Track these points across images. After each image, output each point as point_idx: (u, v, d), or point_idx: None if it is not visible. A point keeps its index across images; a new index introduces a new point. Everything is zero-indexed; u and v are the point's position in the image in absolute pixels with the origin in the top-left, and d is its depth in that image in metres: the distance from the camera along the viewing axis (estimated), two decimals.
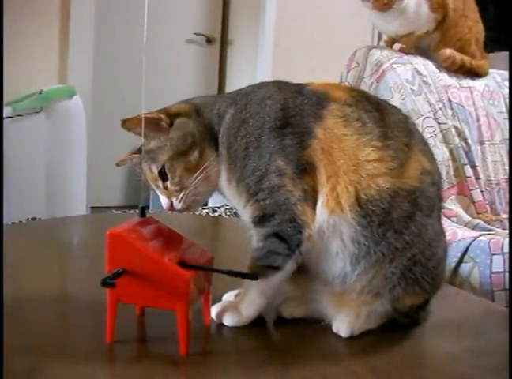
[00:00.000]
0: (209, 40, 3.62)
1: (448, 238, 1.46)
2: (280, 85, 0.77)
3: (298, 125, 0.71)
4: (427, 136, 1.71)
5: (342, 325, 0.71)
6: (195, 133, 0.74)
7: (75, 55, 2.81)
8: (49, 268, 0.95)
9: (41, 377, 0.57)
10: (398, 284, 0.69)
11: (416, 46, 1.84)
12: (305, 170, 0.69)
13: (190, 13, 3.59)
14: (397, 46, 1.81)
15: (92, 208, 2.85)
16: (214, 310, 0.71)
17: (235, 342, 0.69)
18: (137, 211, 0.68)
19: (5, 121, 2.27)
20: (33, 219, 2.24)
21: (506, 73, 1.96)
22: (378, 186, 0.68)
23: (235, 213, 2.11)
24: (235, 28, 3.66)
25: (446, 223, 1.54)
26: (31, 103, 2.45)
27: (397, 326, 0.74)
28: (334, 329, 0.71)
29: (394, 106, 0.80)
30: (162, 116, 0.74)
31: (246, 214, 0.73)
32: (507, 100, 1.92)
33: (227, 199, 0.77)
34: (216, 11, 3.65)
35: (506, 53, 2.03)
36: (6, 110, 2.36)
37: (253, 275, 0.67)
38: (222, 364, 0.62)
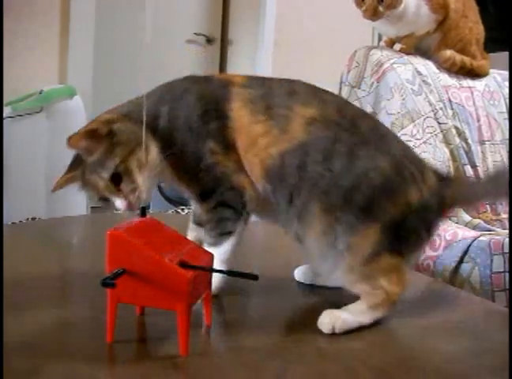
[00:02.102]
0: (209, 40, 3.62)
1: (448, 238, 1.48)
2: (193, 79, 0.87)
3: (215, 110, 0.81)
4: (427, 136, 1.71)
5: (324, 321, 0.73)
6: (137, 132, 0.78)
7: (75, 55, 2.81)
8: (49, 268, 0.95)
9: (41, 377, 0.57)
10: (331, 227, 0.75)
11: (417, 46, 1.83)
12: (230, 147, 0.80)
13: (190, 13, 3.59)
14: (397, 46, 1.81)
15: (92, 208, 2.85)
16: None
17: (235, 342, 0.69)
18: (137, 211, 0.68)
19: (5, 121, 2.27)
20: (33, 219, 2.24)
21: (507, 73, 1.96)
22: (272, 155, 0.78)
23: None
24: (235, 28, 3.66)
25: (446, 223, 1.55)
26: (31, 103, 2.45)
27: (397, 326, 0.74)
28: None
29: (286, 79, 0.86)
30: (99, 126, 0.77)
31: (192, 195, 0.84)
32: (507, 100, 1.92)
33: (175, 187, 0.86)
34: (216, 11, 3.65)
35: (506, 53, 2.03)
36: (6, 110, 2.36)
37: (253, 276, 0.67)
38: (222, 364, 0.62)
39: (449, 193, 0.82)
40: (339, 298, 0.89)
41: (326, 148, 0.76)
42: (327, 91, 0.85)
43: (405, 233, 0.77)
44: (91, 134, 0.77)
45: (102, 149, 0.77)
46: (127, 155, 0.77)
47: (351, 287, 0.76)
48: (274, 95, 0.81)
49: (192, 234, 0.92)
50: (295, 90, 0.82)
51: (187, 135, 0.81)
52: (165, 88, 0.86)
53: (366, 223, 0.74)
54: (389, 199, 0.75)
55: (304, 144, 0.77)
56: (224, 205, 0.81)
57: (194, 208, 0.91)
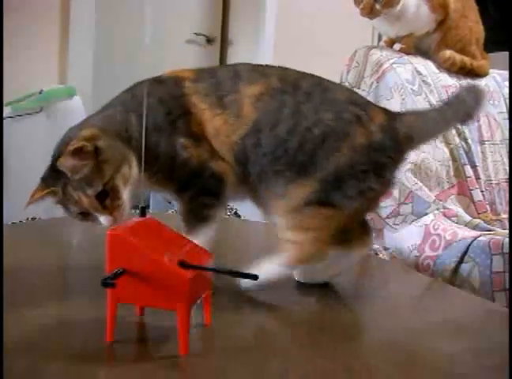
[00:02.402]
0: (209, 40, 3.62)
1: (448, 238, 1.48)
2: (148, 82, 0.86)
3: (177, 108, 0.83)
4: None
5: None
6: (119, 148, 0.79)
7: (75, 55, 2.81)
8: (49, 268, 0.95)
9: (41, 377, 0.57)
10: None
11: (417, 46, 1.83)
12: (201, 139, 0.82)
13: (190, 13, 3.58)
14: (397, 46, 1.81)
15: None
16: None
17: (235, 342, 0.69)
18: (137, 211, 0.68)
19: (5, 121, 2.27)
20: (33, 219, 2.24)
21: (506, 73, 1.96)
22: (235, 142, 0.81)
23: (236, 213, 2.11)
24: (235, 28, 3.66)
25: (446, 223, 1.56)
26: (31, 103, 2.44)
27: (397, 326, 0.74)
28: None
29: (228, 65, 0.90)
30: (84, 143, 0.76)
31: (170, 192, 0.85)
32: (507, 100, 1.92)
33: (152, 190, 0.90)
34: (216, 11, 3.65)
35: (506, 53, 2.03)
36: (6, 110, 2.35)
37: (253, 276, 0.67)
38: (222, 364, 0.62)
39: (403, 128, 0.81)
40: (338, 297, 0.89)
41: (274, 118, 0.80)
42: (267, 65, 0.88)
43: (351, 180, 0.78)
44: (78, 152, 0.76)
45: (89, 167, 0.77)
46: (114, 172, 0.78)
47: (279, 234, 0.82)
48: (222, 83, 0.83)
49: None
50: (238, 73, 0.84)
51: (158, 137, 0.82)
52: (127, 95, 0.87)
53: (307, 174, 0.78)
54: (333, 148, 0.78)
55: (256, 122, 0.80)
56: (204, 193, 0.83)
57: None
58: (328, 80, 0.87)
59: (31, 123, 2.43)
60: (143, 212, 0.69)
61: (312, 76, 0.87)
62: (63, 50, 2.80)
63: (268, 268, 0.80)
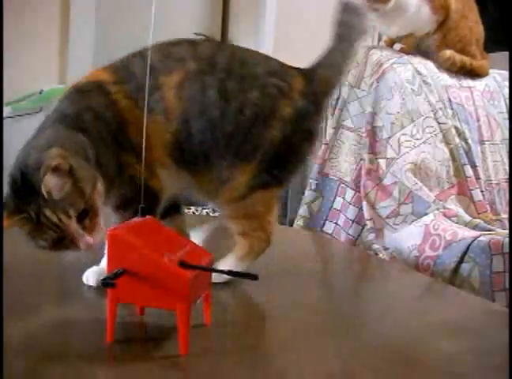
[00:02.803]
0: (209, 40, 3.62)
1: (448, 238, 1.48)
2: (76, 96, 0.82)
3: (112, 117, 0.79)
4: (427, 136, 1.71)
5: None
6: (85, 165, 0.75)
7: (75, 55, 2.81)
8: (49, 268, 0.95)
9: (41, 377, 0.57)
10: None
11: (417, 46, 1.83)
12: (139, 150, 0.75)
13: (190, 13, 3.59)
14: (397, 46, 1.81)
15: None
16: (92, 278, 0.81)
17: (235, 342, 0.69)
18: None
19: (5, 121, 2.27)
20: None
21: (506, 73, 1.96)
22: (169, 141, 0.79)
23: None
24: (235, 28, 3.66)
25: (446, 223, 1.56)
26: (31, 103, 2.45)
27: (396, 326, 0.74)
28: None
29: (139, 56, 0.84)
30: (59, 161, 0.70)
31: (110, 205, 0.81)
32: (507, 100, 1.92)
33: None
34: (216, 11, 3.65)
35: (506, 53, 2.03)
36: (6, 110, 2.35)
37: (253, 276, 0.67)
38: (222, 364, 0.62)
39: (320, 87, 0.84)
40: (338, 297, 0.90)
41: (200, 104, 0.79)
42: (177, 42, 0.85)
43: (287, 154, 0.82)
44: (57, 171, 0.70)
45: (68, 185, 0.71)
46: (91, 190, 0.74)
47: (228, 224, 0.84)
48: (142, 82, 0.77)
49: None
50: (153, 66, 0.78)
51: (105, 151, 0.79)
52: (60, 113, 0.82)
53: (246, 157, 0.80)
54: (265, 126, 0.80)
55: (184, 113, 0.79)
56: (144, 212, 0.75)
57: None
58: (240, 48, 0.87)
59: (31, 123, 2.42)
60: (143, 212, 0.69)
61: (224, 46, 0.88)
62: (63, 50, 2.80)
63: (231, 264, 0.83)
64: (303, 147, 0.84)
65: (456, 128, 1.76)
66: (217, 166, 0.81)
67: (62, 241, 0.74)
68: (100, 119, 0.80)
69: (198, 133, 0.79)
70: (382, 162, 1.66)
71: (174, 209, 0.91)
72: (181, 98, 0.79)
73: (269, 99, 0.80)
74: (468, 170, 1.73)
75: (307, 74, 0.85)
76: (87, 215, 0.74)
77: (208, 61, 0.81)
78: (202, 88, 0.79)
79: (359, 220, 1.68)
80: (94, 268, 0.83)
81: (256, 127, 0.80)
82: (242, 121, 0.79)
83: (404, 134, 1.67)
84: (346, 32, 0.89)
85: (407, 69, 1.75)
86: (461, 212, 1.66)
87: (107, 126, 0.80)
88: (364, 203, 1.65)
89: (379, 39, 2.63)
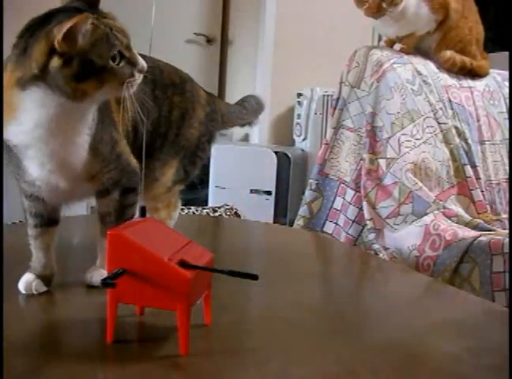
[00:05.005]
0: (209, 40, 3.62)
1: (448, 238, 1.48)
2: None
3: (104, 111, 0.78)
4: (427, 136, 1.71)
5: None
6: None
7: None
8: None
9: (41, 377, 0.57)
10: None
11: (417, 46, 1.83)
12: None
13: (190, 13, 3.59)
14: (397, 46, 1.81)
15: (92, 207, 2.85)
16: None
17: (235, 342, 0.69)
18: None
19: None
20: None
21: (506, 73, 1.96)
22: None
23: (236, 213, 2.10)
24: (235, 28, 3.66)
25: (446, 223, 1.56)
26: None
27: (397, 326, 0.74)
28: None
29: None
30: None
31: (94, 191, 0.80)
32: (507, 100, 1.92)
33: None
34: (216, 11, 3.65)
35: (506, 53, 2.03)
36: None
37: (253, 276, 0.67)
38: (222, 364, 0.62)
39: (218, 104, 0.99)
40: (338, 297, 0.89)
41: (142, 109, 0.77)
42: None
43: (199, 151, 0.94)
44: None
45: None
46: None
47: (156, 215, 0.93)
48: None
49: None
50: None
51: (102, 126, 0.77)
52: None
53: (175, 154, 0.90)
54: (188, 126, 0.91)
55: (132, 120, 0.80)
56: (130, 191, 0.80)
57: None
58: (156, 59, 0.91)
59: None
60: (143, 212, 0.69)
61: (147, 58, 0.88)
62: None
63: None
64: (208, 147, 0.97)
65: (456, 128, 1.76)
66: (154, 164, 0.88)
67: None
68: None
69: (143, 135, 0.83)
70: (382, 162, 1.66)
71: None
72: (126, 119, 0.80)
73: (188, 102, 0.92)
74: (469, 170, 1.73)
75: (203, 88, 0.98)
76: None
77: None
78: (142, 95, 0.78)
79: (359, 220, 1.68)
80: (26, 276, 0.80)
81: (183, 126, 0.91)
82: (172, 122, 0.89)
83: (404, 134, 1.67)
84: (253, 109, 1.09)
85: (407, 69, 1.75)
86: (461, 212, 1.66)
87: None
88: (364, 203, 1.65)
89: (379, 39, 2.63)
